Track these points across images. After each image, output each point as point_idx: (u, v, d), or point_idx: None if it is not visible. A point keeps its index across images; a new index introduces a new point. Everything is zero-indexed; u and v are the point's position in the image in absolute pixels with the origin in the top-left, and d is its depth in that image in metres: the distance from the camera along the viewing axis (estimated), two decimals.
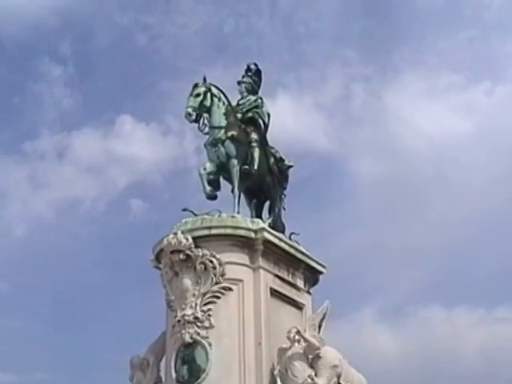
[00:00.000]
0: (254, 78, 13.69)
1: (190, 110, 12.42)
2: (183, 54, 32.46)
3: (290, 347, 10.95)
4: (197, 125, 12.68)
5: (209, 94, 12.62)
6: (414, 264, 27.40)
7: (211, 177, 12.45)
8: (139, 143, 31.71)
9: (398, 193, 28.63)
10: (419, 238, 27.13)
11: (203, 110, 12.58)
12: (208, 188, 12.29)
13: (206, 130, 12.73)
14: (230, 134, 12.50)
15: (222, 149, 12.45)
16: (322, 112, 31.94)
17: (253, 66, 13.77)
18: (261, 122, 13.21)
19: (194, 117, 12.47)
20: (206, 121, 12.70)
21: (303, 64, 32.23)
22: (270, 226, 12.18)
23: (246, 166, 12.53)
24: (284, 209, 13.53)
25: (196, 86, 12.65)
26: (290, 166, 13.69)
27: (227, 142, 12.46)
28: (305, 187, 21.90)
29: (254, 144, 12.77)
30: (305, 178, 22.57)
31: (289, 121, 27.90)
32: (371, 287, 26.62)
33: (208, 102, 12.60)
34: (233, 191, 12.39)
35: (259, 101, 13.46)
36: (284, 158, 13.61)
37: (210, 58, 29.77)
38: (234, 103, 13.24)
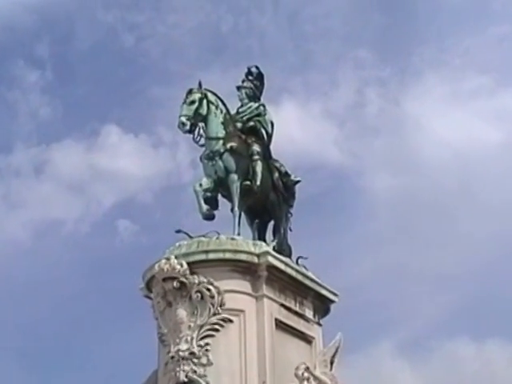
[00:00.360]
0: (255, 83, 13.80)
1: (183, 119, 12.50)
2: (176, 56, 32.70)
3: None
4: (191, 136, 12.78)
5: (205, 101, 12.71)
6: (437, 290, 27.37)
7: (208, 194, 12.52)
8: (127, 157, 31.87)
9: (418, 210, 28.68)
10: (443, 261, 27.12)
11: (199, 118, 12.67)
12: (204, 207, 12.35)
13: (202, 141, 12.82)
14: (228, 145, 12.57)
15: (220, 162, 12.52)
16: (333, 120, 32.07)
17: (254, 70, 13.89)
18: (263, 131, 13.31)
19: (188, 127, 12.54)
20: (201, 131, 12.79)
21: (311, 66, 32.42)
22: (274, 249, 12.23)
23: (248, 182, 12.58)
24: (290, 229, 13.57)
25: (190, 92, 12.74)
26: (297, 182, 13.75)
27: (226, 155, 12.53)
28: (314, 205, 21.96)
29: (256, 157, 12.83)
30: (314, 194, 22.63)
31: (295, 130, 28.08)
32: (390, 317, 26.60)
33: (204, 110, 12.68)
34: (232, 210, 12.44)
35: (261, 108, 13.57)
36: (290, 172, 13.68)
37: (206, 61, 29.99)
38: (233, 111, 13.35)
